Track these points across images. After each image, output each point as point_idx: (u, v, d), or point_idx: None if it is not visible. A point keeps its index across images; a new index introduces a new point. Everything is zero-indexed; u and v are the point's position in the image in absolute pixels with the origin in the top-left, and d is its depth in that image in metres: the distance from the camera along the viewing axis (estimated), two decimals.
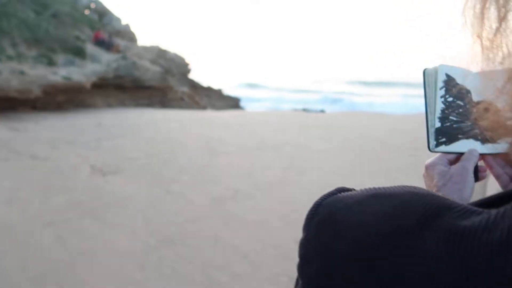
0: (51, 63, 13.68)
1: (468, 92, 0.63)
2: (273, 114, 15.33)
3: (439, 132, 0.63)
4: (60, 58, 14.40)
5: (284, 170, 6.08)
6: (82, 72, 14.15)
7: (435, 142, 0.63)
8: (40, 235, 3.64)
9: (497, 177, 0.60)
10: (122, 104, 16.90)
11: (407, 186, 0.34)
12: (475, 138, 0.62)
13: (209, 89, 24.25)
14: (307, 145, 8.09)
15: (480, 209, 0.28)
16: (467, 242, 0.25)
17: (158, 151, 7.32)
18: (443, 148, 0.63)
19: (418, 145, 7.93)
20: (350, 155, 7.24)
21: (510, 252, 0.24)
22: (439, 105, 0.62)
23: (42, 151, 7.07)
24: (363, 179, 5.56)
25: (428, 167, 0.65)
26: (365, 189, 0.34)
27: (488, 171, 0.65)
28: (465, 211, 0.28)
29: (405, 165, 6.34)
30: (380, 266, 0.27)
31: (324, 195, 0.35)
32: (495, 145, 0.60)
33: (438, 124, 0.63)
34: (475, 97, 0.62)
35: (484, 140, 0.62)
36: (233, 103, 23.52)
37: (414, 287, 0.25)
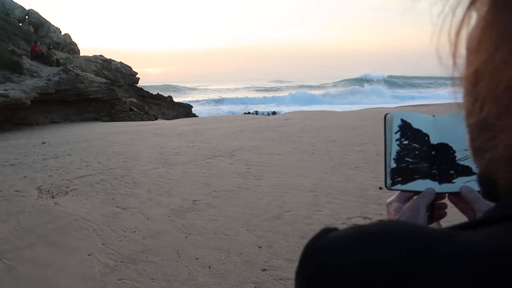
0: None
1: (426, 135, 0.68)
2: (225, 120, 15.33)
3: (394, 172, 0.68)
4: None
5: (241, 175, 6.11)
6: (20, 88, 13.36)
7: (391, 181, 0.68)
8: None
9: (464, 212, 0.64)
10: (67, 119, 16.14)
11: (385, 221, 0.35)
12: (433, 178, 0.67)
13: (158, 97, 23.79)
14: (261, 149, 8.18)
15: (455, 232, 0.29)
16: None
17: (109, 167, 7.08)
18: (399, 186, 0.67)
19: (366, 140, 8.29)
20: (304, 155, 7.41)
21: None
22: (395, 148, 0.68)
23: None
24: (320, 177, 5.72)
25: (388, 205, 0.70)
26: (350, 228, 0.34)
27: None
28: (447, 238, 0.29)
29: (356, 161, 6.60)
30: None
31: (313, 238, 0.35)
32: (451, 185, 0.65)
33: (393, 165, 0.68)
34: (433, 140, 0.68)
35: (441, 181, 0.66)
36: (185, 110, 23.22)
37: None
